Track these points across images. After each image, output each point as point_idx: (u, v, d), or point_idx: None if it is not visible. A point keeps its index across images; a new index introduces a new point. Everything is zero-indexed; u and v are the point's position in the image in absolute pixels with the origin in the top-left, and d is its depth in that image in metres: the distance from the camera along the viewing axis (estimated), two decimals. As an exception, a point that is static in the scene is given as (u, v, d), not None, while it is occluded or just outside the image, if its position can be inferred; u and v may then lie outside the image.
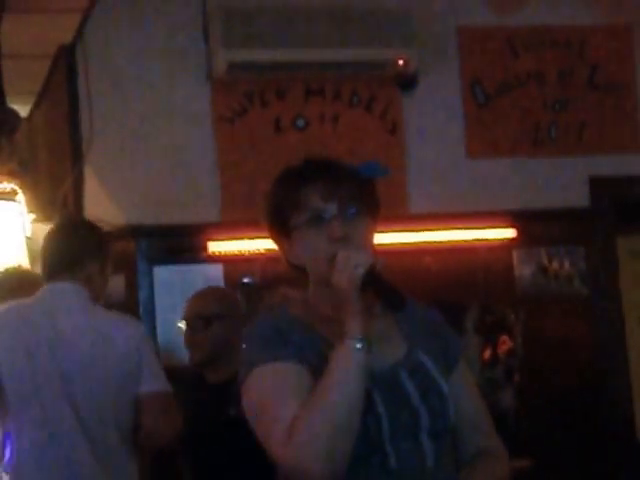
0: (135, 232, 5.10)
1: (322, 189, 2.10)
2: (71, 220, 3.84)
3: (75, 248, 3.58)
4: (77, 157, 5.16)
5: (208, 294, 4.13)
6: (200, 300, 4.06)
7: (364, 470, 2.03)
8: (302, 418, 1.95)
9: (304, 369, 2.04)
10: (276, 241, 2.19)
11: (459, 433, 2.16)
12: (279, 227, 2.16)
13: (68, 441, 3.41)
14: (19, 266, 4.67)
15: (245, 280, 5.11)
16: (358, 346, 1.98)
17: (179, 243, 5.16)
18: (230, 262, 5.14)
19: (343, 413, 1.95)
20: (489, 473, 2.17)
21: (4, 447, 3.51)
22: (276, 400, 2.01)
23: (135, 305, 5.03)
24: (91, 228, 3.72)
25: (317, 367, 2.03)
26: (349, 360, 1.98)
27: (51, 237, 3.68)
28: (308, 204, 2.10)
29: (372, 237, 2.15)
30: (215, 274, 5.16)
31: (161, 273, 5.14)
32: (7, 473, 3.49)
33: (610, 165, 5.66)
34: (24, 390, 3.45)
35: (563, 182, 5.61)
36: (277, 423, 1.98)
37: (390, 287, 2.00)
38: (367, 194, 2.15)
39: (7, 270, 4.57)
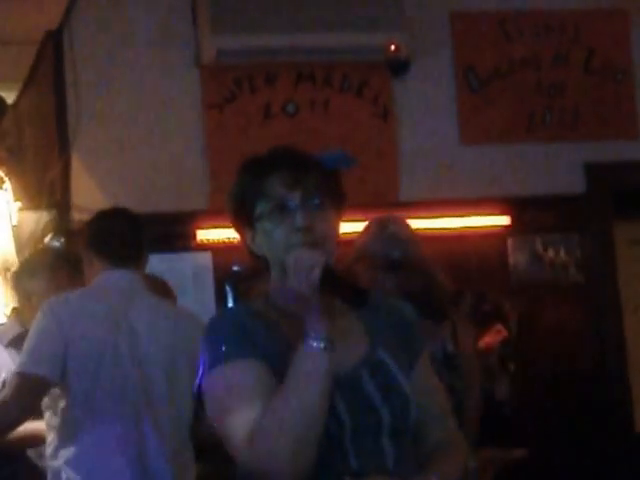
0: (123, 220, 5.05)
1: (286, 178, 2.07)
2: (129, 210, 3.77)
3: (142, 241, 3.63)
4: (64, 144, 5.12)
5: None
6: None
7: (325, 472, 2.00)
8: (265, 422, 1.93)
9: (268, 369, 2.01)
10: (240, 230, 2.16)
11: (420, 426, 2.14)
12: (244, 216, 2.13)
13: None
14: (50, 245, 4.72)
15: (234, 268, 5.05)
16: (321, 346, 1.95)
17: (168, 231, 5.11)
18: (219, 250, 5.09)
19: (306, 417, 1.93)
20: (449, 464, 2.15)
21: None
22: (240, 400, 1.97)
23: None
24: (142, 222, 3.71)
25: (278, 368, 1.99)
26: (312, 362, 1.95)
27: (117, 223, 3.62)
28: (272, 193, 2.07)
29: (337, 228, 2.12)
30: (204, 262, 5.12)
31: (150, 261, 5.07)
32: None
33: (606, 151, 5.59)
34: (102, 382, 3.41)
35: (558, 168, 5.54)
36: (240, 424, 1.96)
37: (347, 284, 1.97)
38: (332, 185, 2.12)
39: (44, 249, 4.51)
